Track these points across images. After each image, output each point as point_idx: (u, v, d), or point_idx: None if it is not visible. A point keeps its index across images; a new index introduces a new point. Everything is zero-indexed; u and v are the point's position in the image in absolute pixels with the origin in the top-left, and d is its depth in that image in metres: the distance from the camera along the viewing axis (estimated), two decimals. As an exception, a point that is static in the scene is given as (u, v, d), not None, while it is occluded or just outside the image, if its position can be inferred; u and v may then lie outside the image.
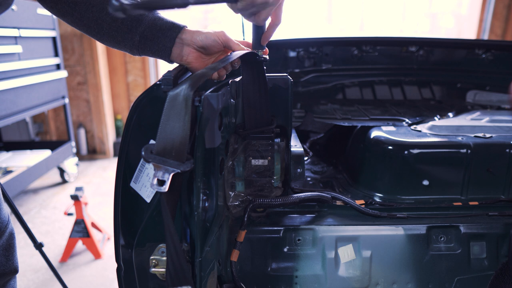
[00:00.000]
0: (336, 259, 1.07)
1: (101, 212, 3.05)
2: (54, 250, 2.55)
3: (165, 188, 0.62)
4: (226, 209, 1.03)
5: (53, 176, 3.84)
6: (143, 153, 0.63)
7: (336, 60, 1.94)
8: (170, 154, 0.63)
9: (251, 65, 0.95)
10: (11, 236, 1.03)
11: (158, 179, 0.62)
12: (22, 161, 3.12)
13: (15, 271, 1.05)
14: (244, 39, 0.99)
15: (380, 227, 1.08)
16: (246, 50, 0.90)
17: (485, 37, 4.33)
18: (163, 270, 0.75)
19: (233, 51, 0.89)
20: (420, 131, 1.26)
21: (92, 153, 4.48)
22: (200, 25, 4.96)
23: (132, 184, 0.76)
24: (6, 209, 1.03)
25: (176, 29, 0.86)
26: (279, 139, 1.05)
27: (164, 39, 0.86)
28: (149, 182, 0.75)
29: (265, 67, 0.97)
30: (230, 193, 1.03)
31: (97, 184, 3.70)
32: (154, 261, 0.76)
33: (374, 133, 1.24)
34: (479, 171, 1.14)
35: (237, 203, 1.04)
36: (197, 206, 0.76)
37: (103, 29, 0.84)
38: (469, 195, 1.16)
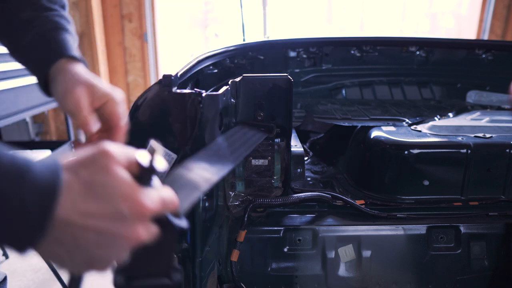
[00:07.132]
0: (336, 259, 1.08)
1: (101, 212, 3.05)
2: (54, 250, 2.55)
3: None
4: (226, 209, 1.03)
5: (53, 176, 3.84)
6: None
7: (336, 60, 1.94)
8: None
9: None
10: None
11: None
12: (22, 161, 3.11)
13: None
14: (244, 40, 0.98)
15: (380, 227, 1.08)
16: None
17: (485, 37, 4.33)
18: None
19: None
20: (420, 131, 1.26)
21: (92, 153, 4.47)
22: (201, 25, 4.96)
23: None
24: None
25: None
26: (279, 139, 1.05)
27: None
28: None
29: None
30: (230, 193, 1.03)
31: (97, 184, 3.69)
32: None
33: (374, 133, 1.24)
34: (479, 171, 1.14)
35: (237, 203, 1.04)
36: (197, 206, 0.76)
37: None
38: (469, 195, 1.16)
